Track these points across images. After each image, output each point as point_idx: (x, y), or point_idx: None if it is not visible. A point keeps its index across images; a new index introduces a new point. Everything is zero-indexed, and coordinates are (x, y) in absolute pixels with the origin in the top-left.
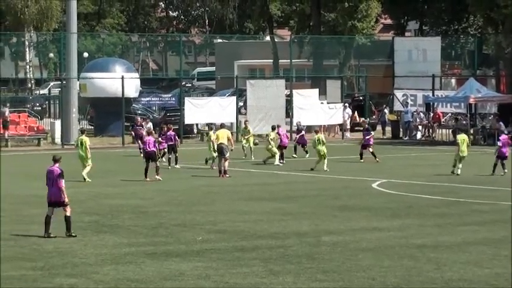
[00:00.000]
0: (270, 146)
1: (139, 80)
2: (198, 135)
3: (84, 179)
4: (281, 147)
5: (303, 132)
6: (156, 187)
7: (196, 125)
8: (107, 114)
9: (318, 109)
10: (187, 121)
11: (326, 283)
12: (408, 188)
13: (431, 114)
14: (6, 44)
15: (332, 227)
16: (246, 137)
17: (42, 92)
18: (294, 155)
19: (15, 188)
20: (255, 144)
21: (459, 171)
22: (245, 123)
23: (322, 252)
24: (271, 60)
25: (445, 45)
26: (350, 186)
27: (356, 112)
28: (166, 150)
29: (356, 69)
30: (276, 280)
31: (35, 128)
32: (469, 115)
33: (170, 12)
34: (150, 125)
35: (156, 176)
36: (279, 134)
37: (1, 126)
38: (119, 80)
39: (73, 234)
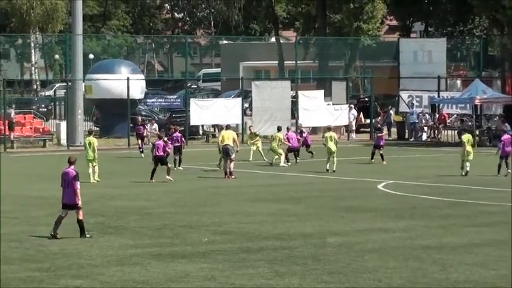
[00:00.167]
0: (273, 145)
1: (144, 81)
2: (203, 136)
3: (97, 180)
4: (291, 149)
5: (305, 134)
6: (162, 188)
7: (202, 126)
8: (113, 115)
9: (324, 110)
10: (192, 122)
11: (332, 284)
12: (413, 189)
13: (437, 116)
14: (11, 45)
15: (337, 228)
16: (253, 141)
17: (47, 93)
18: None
19: (21, 189)
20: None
21: (468, 168)
22: (249, 129)
23: (328, 254)
24: (277, 62)
25: (451, 46)
26: (355, 188)
27: (361, 113)
28: (172, 151)
29: (361, 70)
30: (281, 281)
31: (41, 130)
32: (474, 116)
33: (175, 13)
34: (155, 126)
35: (167, 177)
36: (288, 137)
37: (7, 127)
38: (125, 82)
39: (87, 236)
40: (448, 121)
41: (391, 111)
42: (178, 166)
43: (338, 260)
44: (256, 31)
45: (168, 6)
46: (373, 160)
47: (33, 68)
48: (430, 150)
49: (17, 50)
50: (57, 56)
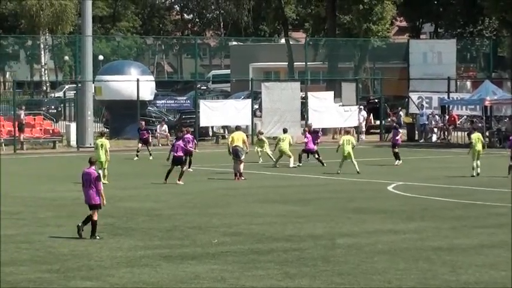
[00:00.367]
0: (283, 147)
1: (154, 82)
2: (213, 138)
3: (104, 183)
4: (306, 151)
5: (320, 136)
6: (171, 190)
7: (212, 127)
8: (122, 117)
9: (333, 112)
10: (202, 124)
11: (342, 286)
12: (424, 191)
13: (447, 117)
14: (21, 47)
15: (347, 230)
16: (261, 149)
17: (57, 94)
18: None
19: (30, 190)
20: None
21: (479, 170)
22: (257, 135)
23: (338, 255)
24: (286, 63)
25: (461, 47)
26: (365, 189)
27: (371, 115)
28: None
29: (371, 71)
30: (291, 283)
31: (50, 131)
32: (484, 117)
33: (185, 15)
34: (165, 127)
35: (178, 181)
36: (307, 137)
37: (16, 129)
38: (134, 83)
39: (97, 237)
40: (458, 122)
41: (401, 113)
42: (188, 168)
43: (348, 262)
44: (265, 32)
45: (178, 8)
46: (398, 162)
47: (43, 70)
48: (440, 152)
49: (26, 51)
50: (66, 58)
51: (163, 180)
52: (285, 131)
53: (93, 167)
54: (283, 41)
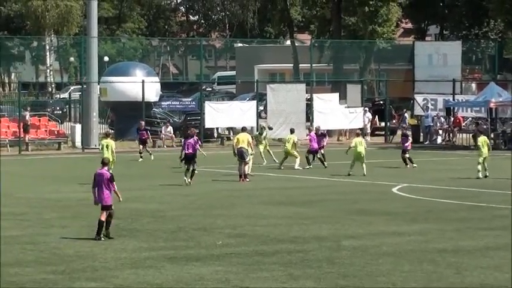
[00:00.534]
0: (288, 148)
1: (159, 84)
2: (218, 139)
3: None
4: (310, 151)
5: (325, 139)
6: (176, 191)
7: (217, 129)
8: (128, 118)
9: (338, 113)
10: (207, 125)
11: None
12: (428, 193)
13: (452, 119)
14: (26, 48)
15: (352, 232)
16: (259, 141)
17: (62, 96)
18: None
19: (35, 191)
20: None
21: (487, 173)
22: (261, 130)
23: (343, 257)
24: (292, 65)
25: (466, 49)
26: (370, 191)
27: (376, 116)
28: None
29: (376, 73)
30: (296, 285)
31: (56, 132)
32: (489, 119)
33: (191, 16)
34: (170, 128)
35: (186, 178)
36: (311, 138)
37: (22, 130)
38: (140, 84)
39: (102, 238)
40: (463, 124)
41: (406, 115)
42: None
43: (353, 263)
44: (271, 34)
45: (183, 9)
46: (415, 165)
47: (48, 71)
48: (445, 154)
49: (32, 52)
50: (72, 59)
51: (188, 180)
52: (292, 131)
53: (106, 168)
54: (288, 42)
